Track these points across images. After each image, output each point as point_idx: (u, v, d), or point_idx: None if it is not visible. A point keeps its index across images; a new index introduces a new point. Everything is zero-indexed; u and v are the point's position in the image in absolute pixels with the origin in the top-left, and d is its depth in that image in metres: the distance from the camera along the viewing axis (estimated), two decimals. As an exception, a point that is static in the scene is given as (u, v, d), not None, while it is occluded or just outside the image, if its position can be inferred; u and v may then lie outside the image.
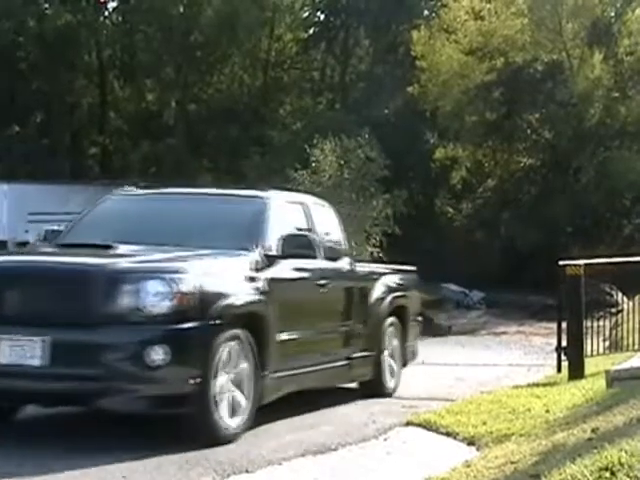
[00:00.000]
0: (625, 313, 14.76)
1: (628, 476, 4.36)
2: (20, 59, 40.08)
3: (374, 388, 10.13)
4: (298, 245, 8.40)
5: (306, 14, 44.70)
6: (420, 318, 11.92)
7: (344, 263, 9.91)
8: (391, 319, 10.52)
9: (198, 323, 6.99)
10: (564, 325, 11.03)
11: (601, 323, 12.59)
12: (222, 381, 7.21)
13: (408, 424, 7.88)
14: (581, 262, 10.80)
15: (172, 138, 38.54)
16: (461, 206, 37.42)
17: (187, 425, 7.08)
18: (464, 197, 37.07)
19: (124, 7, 42.92)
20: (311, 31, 44.29)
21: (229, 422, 7.24)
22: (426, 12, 40.48)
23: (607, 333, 14.05)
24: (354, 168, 30.32)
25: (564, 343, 10.96)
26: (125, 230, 8.61)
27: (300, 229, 8.85)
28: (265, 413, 8.17)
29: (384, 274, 10.84)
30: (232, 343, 7.34)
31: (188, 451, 6.52)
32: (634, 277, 13.00)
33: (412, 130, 35.32)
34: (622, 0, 33.12)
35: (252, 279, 7.78)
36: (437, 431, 7.51)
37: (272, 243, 8.32)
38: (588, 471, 4.49)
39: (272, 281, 7.98)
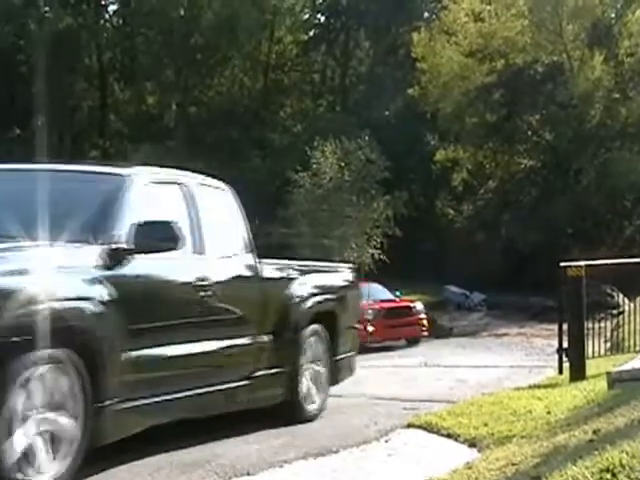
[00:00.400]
0: (626, 314, 14.74)
1: (629, 478, 4.35)
2: (20, 62, 40.13)
3: (288, 412, 8.15)
4: (160, 236, 6.50)
5: (306, 16, 44.78)
6: (358, 326, 9.87)
7: (242, 260, 7.96)
8: (313, 327, 8.50)
9: None
10: (565, 326, 11.02)
11: (602, 324, 12.57)
12: (27, 425, 5.30)
13: (409, 426, 7.87)
14: (582, 263, 10.80)
15: (172, 140, 38.58)
16: (462, 208, 37.45)
17: None
18: (465, 199, 37.10)
19: (124, 10, 42.98)
20: (311, 33, 44.36)
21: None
22: (426, 14, 40.56)
23: (608, 334, 14.03)
24: (354, 170, 30.34)
25: (565, 344, 10.95)
26: None
27: (170, 216, 6.83)
28: (265, 417, 8.16)
29: (304, 273, 8.80)
30: (43, 368, 5.41)
31: (189, 453, 6.53)
32: (635, 278, 12.99)
33: (412, 132, 35.36)
34: (622, 2, 33.17)
35: (86, 281, 5.90)
36: (438, 433, 7.50)
37: (123, 233, 6.36)
38: (589, 472, 4.48)
39: (115, 283, 6.06)
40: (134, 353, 6.20)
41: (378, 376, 13.17)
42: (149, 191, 6.96)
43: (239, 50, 40.57)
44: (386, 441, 7.34)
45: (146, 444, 6.79)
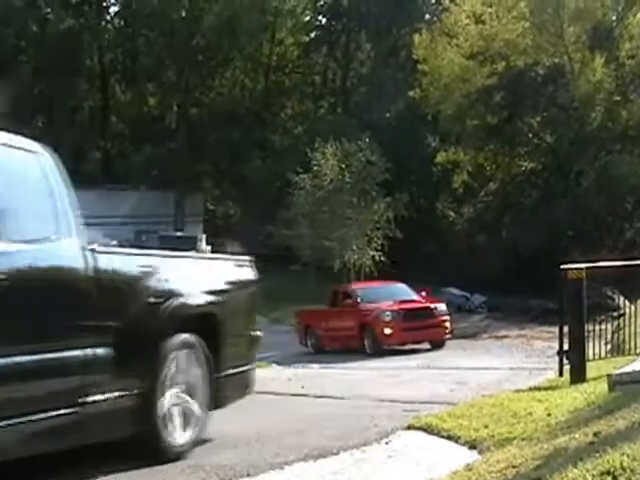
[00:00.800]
0: (627, 317, 14.73)
1: (630, 480, 4.36)
2: (22, 63, 40.15)
3: (147, 446, 6.39)
4: None
5: (307, 18, 44.80)
6: (258, 332, 7.96)
7: (60, 246, 5.97)
8: (183, 337, 6.60)
9: None
10: (566, 329, 11.02)
11: (603, 327, 12.56)
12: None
13: (409, 428, 7.87)
14: (583, 265, 10.79)
15: (174, 142, 38.59)
16: (462, 210, 37.45)
17: None
18: (465, 201, 37.10)
19: (126, 11, 43.01)
20: (312, 35, 44.39)
21: None
22: (427, 16, 40.58)
23: (609, 337, 14.04)
24: (355, 172, 30.36)
25: (566, 347, 10.95)
26: None
27: None
28: (266, 418, 8.16)
29: (171, 265, 6.91)
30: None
31: (190, 455, 6.53)
32: (636, 281, 12.98)
33: (413, 134, 35.37)
34: (623, 4, 33.15)
35: None
36: (439, 435, 7.50)
37: None
38: (590, 475, 4.48)
39: None
40: None
41: (378, 378, 13.18)
42: None
43: (240, 52, 40.60)
44: (386, 443, 7.34)
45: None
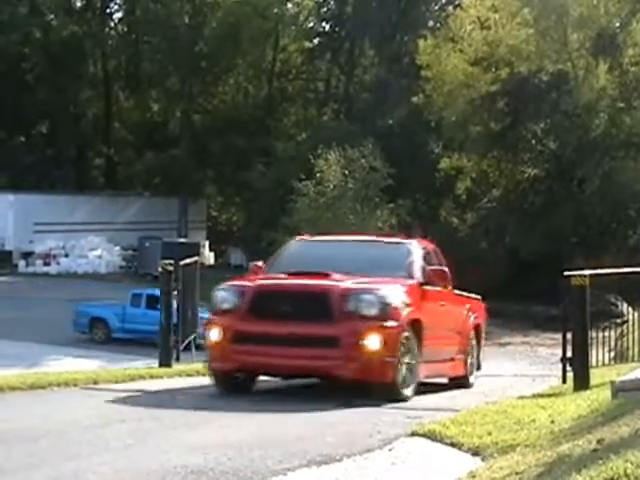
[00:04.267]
0: (630, 324, 14.72)
1: (633, 487, 4.35)
2: (26, 70, 40.27)
3: None
4: None
5: (311, 24, 44.83)
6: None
7: None
8: None
9: None
10: (569, 336, 11.01)
11: (606, 334, 12.55)
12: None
13: (413, 434, 7.85)
14: (586, 272, 10.78)
15: (177, 148, 38.66)
16: (466, 216, 37.43)
17: None
18: (469, 207, 37.08)
19: (129, 18, 43.13)
20: (316, 41, 44.43)
21: None
22: (431, 23, 40.58)
23: (612, 344, 14.00)
24: (358, 178, 30.36)
25: (569, 354, 10.94)
26: None
27: None
28: (268, 422, 8.15)
29: None
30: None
31: (192, 460, 6.52)
32: None
33: (416, 140, 35.38)
34: (627, 11, 33.14)
35: None
36: (442, 441, 7.48)
37: None
38: (593, 482, 4.48)
39: None
40: None
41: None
42: None
43: (243, 58, 40.67)
44: (390, 449, 7.33)
45: (148, 449, 6.79)
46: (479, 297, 15.24)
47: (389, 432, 8.01)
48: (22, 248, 35.24)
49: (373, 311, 9.93)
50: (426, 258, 11.92)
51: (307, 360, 9.99)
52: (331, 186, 30.35)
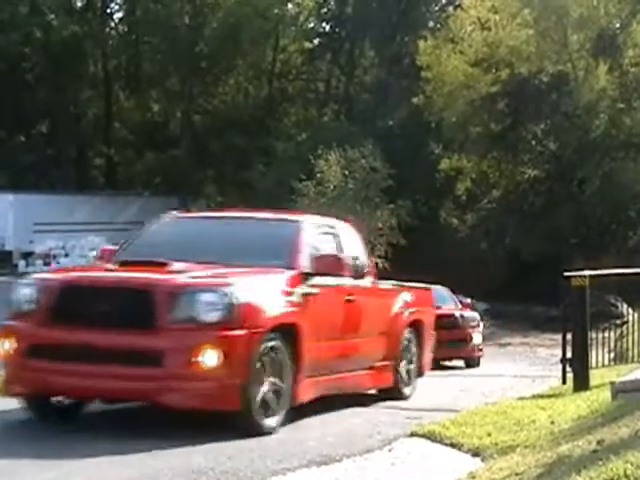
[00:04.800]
0: (630, 324, 14.73)
1: (633, 488, 4.36)
2: (26, 70, 40.24)
3: None
4: None
5: (311, 25, 44.81)
6: None
7: None
8: None
9: None
10: (569, 336, 11.02)
11: (606, 334, 12.56)
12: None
13: (412, 435, 7.86)
14: (586, 273, 10.79)
15: (177, 149, 38.63)
16: (466, 217, 37.42)
17: None
18: (469, 208, 37.07)
19: (130, 18, 43.09)
20: (316, 42, 44.39)
21: None
22: (431, 23, 40.56)
23: (612, 345, 14.02)
24: (358, 179, 30.36)
25: (569, 354, 10.95)
26: None
27: None
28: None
29: None
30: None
31: (192, 460, 6.53)
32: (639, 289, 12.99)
33: (417, 141, 35.37)
34: (627, 12, 33.14)
35: None
36: (442, 442, 7.49)
37: None
38: (593, 483, 4.49)
39: None
40: None
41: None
42: None
43: (244, 58, 40.63)
44: (389, 450, 7.34)
45: (149, 449, 6.79)
46: (428, 287, 12.62)
47: (389, 433, 8.02)
48: (22, 248, 35.18)
49: (213, 316, 7.42)
50: (323, 241, 9.32)
51: (118, 382, 7.42)
52: (331, 186, 30.35)
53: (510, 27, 32.73)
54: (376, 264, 29.49)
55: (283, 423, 7.97)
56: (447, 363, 18.02)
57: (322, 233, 9.50)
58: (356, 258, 9.88)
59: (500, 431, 7.61)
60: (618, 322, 19.74)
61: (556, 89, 32.57)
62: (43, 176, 38.24)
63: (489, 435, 7.44)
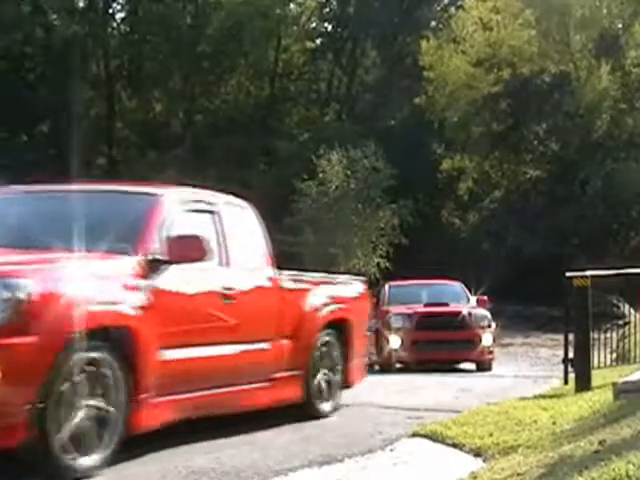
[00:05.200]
0: (632, 325, 14.72)
1: (635, 489, 4.35)
2: (28, 69, 40.24)
3: None
4: None
5: (313, 25, 44.81)
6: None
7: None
8: None
9: None
10: (571, 337, 11.02)
11: (608, 335, 12.55)
12: None
13: (414, 435, 7.86)
14: (588, 273, 10.78)
15: (179, 148, 38.62)
16: (467, 217, 37.44)
17: None
18: (470, 208, 37.09)
19: (132, 18, 43.08)
20: (318, 42, 44.40)
21: None
22: (433, 23, 40.58)
23: (614, 345, 14.01)
24: (360, 178, 30.36)
25: (571, 355, 10.95)
26: None
27: None
28: (270, 423, 8.15)
29: None
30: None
31: (194, 460, 6.53)
32: (642, 289, 12.98)
33: (419, 141, 35.37)
34: (630, 12, 33.15)
35: None
36: (443, 442, 7.48)
37: None
38: (595, 483, 4.48)
39: None
40: None
41: (383, 385, 13.15)
42: None
43: (245, 58, 40.62)
44: (391, 450, 7.33)
45: (150, 450, 6.79)
46: (361, 279, 10.67)
47: (390, 433, 8.01)
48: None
49: None
50: (195, 221, 7.53)
51: None
52: (333, 186, 30.34)
53: (512, 27, 32.75)
54: (377, 264, 29.61)
55: (283, 424, 7.96)
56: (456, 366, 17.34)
57: (193, 210, 7.70)
58: (244, 243, 8.16)
59: (502, 431, 7.60)
60: (620, 322, 19.69)
61: (558, 89, 32.59)
62: (44, 176, 38.28)
63: (491, 435, 7.43)
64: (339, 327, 9.13)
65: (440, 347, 16.71)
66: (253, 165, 35.73)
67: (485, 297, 18.41)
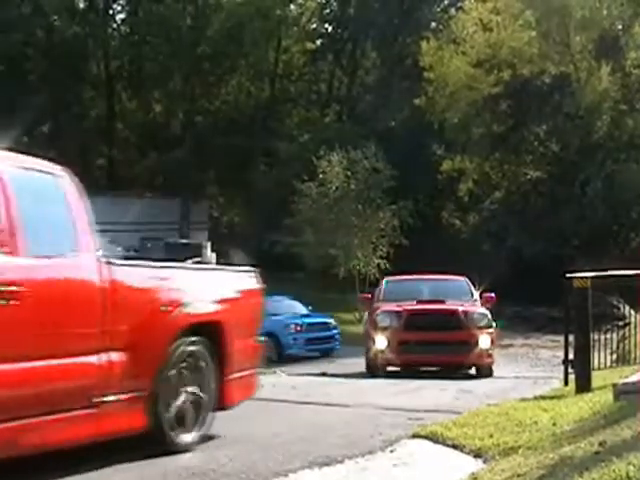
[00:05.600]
0: (632, 326, 14.71)
1: (635, 490, 4.35)
2: (28, 71, 40.21)
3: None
4: None
5: (313, 26, 44.83)
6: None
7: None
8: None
9: None
10: (571, 338, 11.01)
11: (608, 336, 12.54)
12: None
13: (414, 436, 7.86)
14: (588, 275, 10.78)
15: (179, 149, 38.60)
16: (468, 218, 37.44)
17: None
18: (471, 209, 37.09)
19: (132, 19, 43.09)
20: (318, 43, 44.44)
21: None
22: (433, 24, 40.59)
23: (614, 346, 14.00)
24: (360, 179, 30.37)
25: (571, 356, 10.95)
26: None
27: None
28: (271, 424, 8.15)
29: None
30: None
31: (194, 461, 6.53)
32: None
33: (419, 142, 35.38)
34: (630, 13, 33.15)
35: None
36: (444, 443, 7.48)
37: None
38: (595, 484, 4.48)
39: None
40: None
41: (382, 386, 13.15)
42: None
43: (246, 59, 40.63)
44: (391, 451, 7.33)
45: (151, 450, 6.78)
46: (246, 268, 8.15)
47: (390, 434, 8.01)
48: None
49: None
50: None
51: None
52: (333, 187, 30.35)
53: (512, 28, 32.75)
54: (378, 265, 29.62)
55: (284, 424, 7.96)
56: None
57: None
58: (48, 222, 6.21)
59: (502, 432, 7.60)
60: (620, 324, 19.67)
61: (558, 90, 32.59)
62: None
63: (491, 436, 7.42)
64: (210, 332, 7.06)
65: (431, 349, 14.91)
66: (253, 166, 35.74)
67: (492, 294, 16.76)
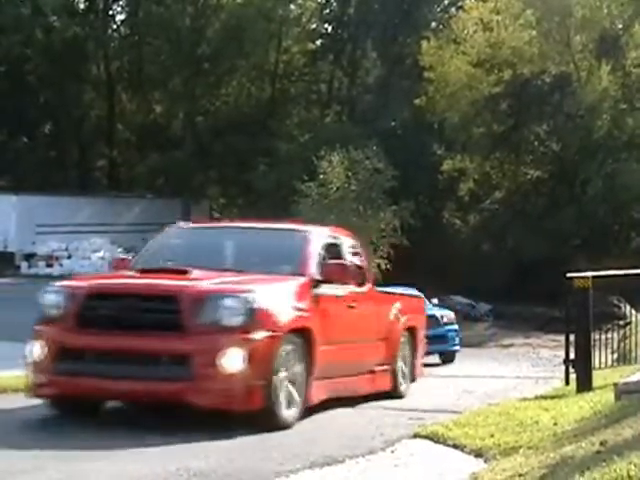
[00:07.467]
0: (633, 325, 14.72)
1: (637, 489, 4.35)
2: (28, 72, 40.25)
3: None
4: None
5: (314, 26, 44.81)
6: None
7: None
8: None
9: None
10: (572, 337, 11.02)
11: (609, 335, 12.55)
12: None
13: (415, 436, 7.86)
14: (589, 274, 10.78)
15: (180, 150, 38.62)
16: (468, 218, 37.42)
17: None
18: (471, 209, 37.07)
19: (132, 19, 43.12)
20: (319, 43, 44.42)
21: None
22: (433, 24, 40.57)
23: (615, 346, 14.01)
24: (361, 180, 30.34)
25: (572, 355, 10.94)
26: None
27: None
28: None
29: None
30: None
31: (196, 461, 6.52)
32: (642, 289, 12.97)
33: (419, 142, 35.35)
34: (630, 13, 33.10)
35: None
36: (445, 443, 7.49)
37: None
38: (597, 484, 4.48)
39: None
40: None
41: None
42: None
43: (246, 60, 40.63)
44: (392, 451, 7.33)
45: (152, 450, 6.79)
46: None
47: (392, 434, 8.01)
48: (24, 250, 35.19)
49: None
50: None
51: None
52: (334, 188, 30.33)
53: (512, 28, 32.70)
54: (378, 265, 29.56)
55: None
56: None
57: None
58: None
59: (503, 432, 7.60)
60: (621, 323, 19.71)
61: (559, 90, 32.56)
62: (46, 177, 38.26)
63: (492, 436, 7.43)
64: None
65: (113, 369, 7.97)
66: (254, 166, 35.71)
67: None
